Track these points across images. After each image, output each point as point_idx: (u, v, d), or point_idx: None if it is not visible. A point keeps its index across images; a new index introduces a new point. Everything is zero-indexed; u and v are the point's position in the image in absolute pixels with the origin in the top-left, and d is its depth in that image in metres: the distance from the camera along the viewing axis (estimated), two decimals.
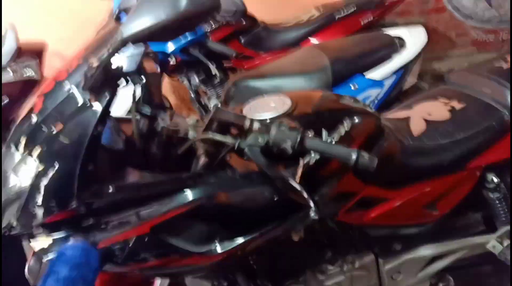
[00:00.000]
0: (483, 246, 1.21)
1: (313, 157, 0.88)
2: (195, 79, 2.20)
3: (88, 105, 0.68)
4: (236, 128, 0.82)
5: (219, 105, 0.82)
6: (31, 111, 0.74)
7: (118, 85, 0.71)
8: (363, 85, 1.75)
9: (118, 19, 1.41)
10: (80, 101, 0.69)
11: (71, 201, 0.70)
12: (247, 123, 0.79)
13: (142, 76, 0.87)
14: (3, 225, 0.75)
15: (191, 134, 0.85)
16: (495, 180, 1.18)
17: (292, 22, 2.43)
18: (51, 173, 0.69)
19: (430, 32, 3.34)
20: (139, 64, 0.88)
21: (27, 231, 0.76)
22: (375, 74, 1.76)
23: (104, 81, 0.67)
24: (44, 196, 0.70)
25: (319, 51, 1.77)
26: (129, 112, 0.88)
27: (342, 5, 2.41)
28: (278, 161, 0.82)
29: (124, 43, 0.61)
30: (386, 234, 1.14)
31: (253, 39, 2.32)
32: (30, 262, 0.82)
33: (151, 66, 0.90)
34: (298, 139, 0.76)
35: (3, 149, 0.75)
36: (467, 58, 3.14)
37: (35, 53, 2.12)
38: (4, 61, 1.95)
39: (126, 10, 1.34)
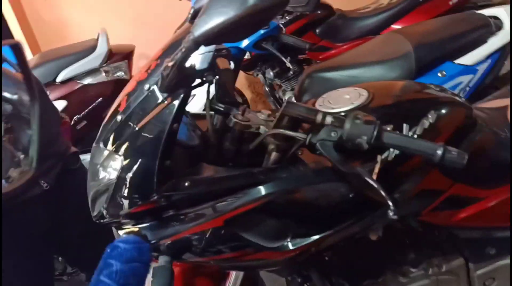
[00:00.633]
0: None
1: (392, 152, 0.83)
2: (270, 73, 2.19)
3: (165, 103, 0.72)
4: (307, 122, 0.79)
5: (293, 99, 0.81)
6: (116, 110, 0.80)
7: (192, 83, 0.73)
8: (453, 71, 1.59)
9: (193, 18, 1.46)
10: (159, 99, 0.72)
11: (152, 194, 0.74)
12: (319, 117, 0.76)
13: (216, 74, 0.90)
14: (94, 214, 0.82)
15: (262, 129, 0.85)
16: None
17: (371, 7, 2.30)
18: (134, 168, 0.74)
19: None
20: (212, 61, 0.91)
21: (115, 220, 0.83)
22: (466, 59, 1.59)
23: (179, 80, 0.69)
24: (128, 188, 0.75)
25: (401, 37, 1.65)
26: (204, 109, 0.90)
27: None
28: (353, 157, 0.78)
29: (196, 42, 0.62)
30: (478, 237, 1.03)
31: (329, 28, 2.24)
32: None
33: (224, 63, 0.92)
34: (375, 134, 0.71)
35: (93, 145, 0.82)
36: None
37: (125, 55, 2.30)
38: (97, 63, 2.15)
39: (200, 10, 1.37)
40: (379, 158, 0.78)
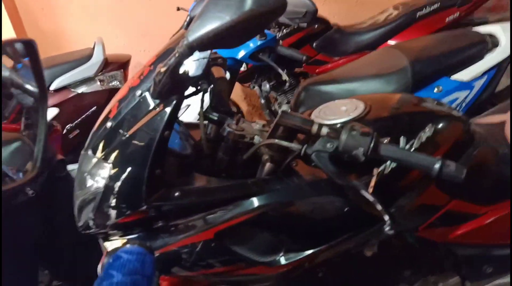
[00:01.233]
0: None
1: (389, 165, 0.81)
2: (266, 86, 2.18)
3: (157, 110, 0.70)
4: (303, 133, 0.77)
5: (288, 111, 0.79)
6: (106, 116, 0.78)
7: (185, 90, 0.72)
8: (449, 87, 1.59)
9: (189, 25, 1.46)
10: (150, 106, 0.70)
11: (141, 204, 0.71)
12: (314, 128, 0.74)
13: (211, 82, 0.89)
14: (80, 224, 0.79)
15: (257, 139, 0.83)
16: None
17: (367, 23, 2.32)
18: (123, 176, 0.71)
19: None
20: (207, 70, 0.89)
21: (102, 231, 0.80)
22: (462, 74, 1.59)
23: (172, 86, 0.67)
24: (116, 198, 0.73)
25: (397, 51, 1.65)
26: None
27: (424, 2, 2.23)
28: (349, 169, 0.76)
29: (190, 47, 0.60)
30: (475, 254, 1.01)
31: (326, 42, 2.24)
32: (103, 260, 0.85)
33: (220, 72, 0.90)
34: (372, 146, 0.69)
35: (82, 153, 0.79)
36: None
37: (121, 65, 2.29)
38: (92, 72, 2.14)
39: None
40: (375, 171, 0.76)
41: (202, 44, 0.60)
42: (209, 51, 0.71)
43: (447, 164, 0.68)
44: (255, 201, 0.76)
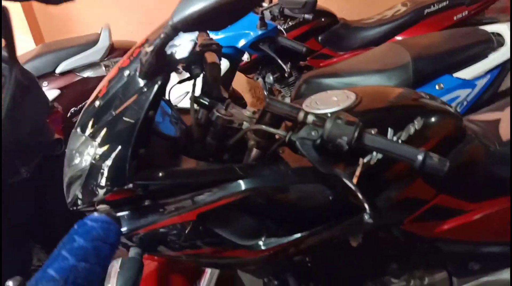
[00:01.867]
0: None
1: (375, 156, 0.81)
2: (270, 78, 2.19)
3: (143, 89, 0.71)
4: (290, 120, 0.78)
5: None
6: (96, 96, 0.79)
7: (171, 71, 0.72)
8: (451, 85, 1.57)
9: None
10: (137, 85, 0.71)
11: (124, 182, 0.72)
12: (301, 115, 0.74)
13: (203, 68, 0.89)
14: (69, 200, 0.81)
15: (245, 125, 0.83)
16: None
17: (374, 18, 2.30)
18: (108, 154, 0.73)
19: None
20: (200, 55, 0.90)
21: (90, 208, 0.82)
22: (465, 73, 1.58)
23: (158, 67, 0.68)
24: (101, 175, 0.74)
25: (401, 47, 1.64)
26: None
27: None
28: (336, 159, 0.76)
29: (174, 28, 0.61)
30: (462, 251, 1.00)
31: (332, 37, 2.24)
32: None
33: (212, 57, 0.91)
34: (356, 135, 0.70)
35: (72, 131, 0.81)
36: None
37: (126, 51, 2.27)
38: (97, 57, 2.15)
39: None
40: (361, 161, 0.76)
41: (186, 25, 0.60)
42: (196, 33, 0.72)
43: (430, 156, 0.68)
44: (239, 185, 0.77)
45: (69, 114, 2.12)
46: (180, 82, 0.97)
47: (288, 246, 0.80)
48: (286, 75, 2.04)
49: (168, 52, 0.69)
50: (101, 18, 2.49)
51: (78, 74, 2.14)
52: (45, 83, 2.05)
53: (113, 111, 0.73)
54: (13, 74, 1.02)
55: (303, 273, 0.99)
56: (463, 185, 0.92)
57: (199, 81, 0.92)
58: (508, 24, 1.71)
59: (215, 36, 1.57)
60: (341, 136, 0.70)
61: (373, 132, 0.72)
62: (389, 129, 0.81)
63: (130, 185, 0.75)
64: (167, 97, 0.92)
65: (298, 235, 0.80)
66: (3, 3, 1.07)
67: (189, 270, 0.99)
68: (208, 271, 0.96)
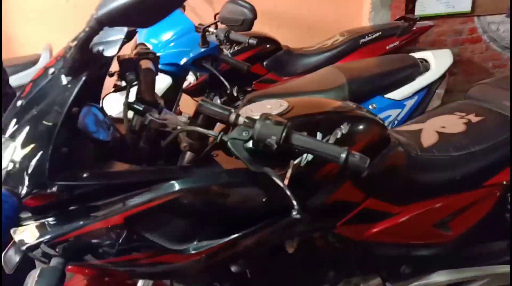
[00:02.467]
0: (507, 277, 1.07)
1: (305, 159, 0.84)
2: (217, 101, 2.21)
3: (68, 86, 0.69)
4: (222, 122, 0.79)
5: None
6: (19, 96, 0.76)
7: (97, 68, 0.72)
8: (382, 104, 1.69)
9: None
10: (61, 83, 0.70)
11: (44, 182, 0.69)
12: (232, 117, 0.76)
13: (138, 75, 0.89)
14: None
15: (179, 129, 0.83)
16: None
17: (315, 46, 2.44)
18: (27, 154, 0.69)
19: (464, 63, 3.23)
20: (135, 63, 0.91)
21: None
22: (394, 94, 1.71)
23: (83, 62, 0.68)
24: (20, 176, 0.70)
25: (337, 71, 1.75)
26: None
27: (367, 30, 2.39)
28: (267, 162, 0.78)
29: (99, 22, 0.61)
30: (393, 255, 1.04)
31: (276, 62, 2.33)
32: (9, 250, 0.81)
33: (147, 64, 0.91)
34: (284, 134, 0.72)
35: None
36: None
37: None
38: None
39: None
40: (291, 163, 0.79)
41: (111, 18, 0.61)
42: (125, 30, 0.73)
43: (352, 154, 0.72)
44: (169, 186, 0.75)
45: None
46: (116, 90, 0.97)
47: (220, 249, 0.79)
48: (234, 94, 2.08)
49: (96, 49, 0.68)
50: (44, 39, 2.42)
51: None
52: None
53: (34, 110, 0.71)
54: None
55: (239, 281, 0.97)
56: (389, 189, 0.97)
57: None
58: (432, 51, 1.89)
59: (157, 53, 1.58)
60: (270, 136, 0.72)
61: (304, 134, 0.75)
62: (318, 133, 0.85)
63: (54, 189, 0.72)
64: (101, 104, 0.90)
65: (230, 237, 0.79)
66: None
67: (120, 283, 0.94)
68: (141, 283, 0.91)
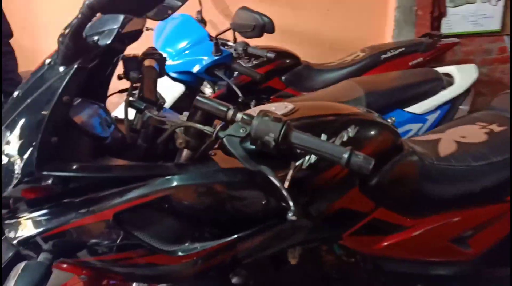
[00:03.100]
0: None
1: (307, 160, 0.79)
2: None
3: (60, 75, 0.68)
4: (219, 118, 0.76)
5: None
6: (18, 88, 0.76)
7: (91, 57, 0.71)
8: (402, 118, 1.62)
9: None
10: (56, 72, 0.69)
11: (32, 171, 0.67)
12: (229, 113, 0.73)
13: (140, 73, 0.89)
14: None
15: (174, 124, 0.81)
16: None
17: (336, 62, 2.40)
18: (19, 142, 0.69)
19: (495, 83, 3.11)
20: (140, 62, 0.90)
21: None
22: (415, 108, 1.63)
23: (76, 51, 0.67)
24: (12, 165, 0.69)
25: (355, 84, 1.71)
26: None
27: (390, 46, 2.34)
28: (266, 162, 0.74)
29: (90, 8, 0.60)
30: (406, 271, 0.96)
31: (295, 77, 2.30)
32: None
33: (150, 62, 0.91)
34: (283, 132, 0.68)
35: None
36: None
37: None
38: None
39: None
40: (292, 164, 0.74)
41: (102, 5, 0.60)
42: (120, 20, 0.72)
43: (355, 154, 0.66)
44: (162, 182, 0.72)
45: None
46: (121, 91, 0.96)
47: (212, 252, 0.75)
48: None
49: (91, 39, 0.68)
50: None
51: None
52: None
53: (28, 99, 0.70)
54: None
55: None
56: (401, 198, 0.91)
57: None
58: (456, 66, 1.82)
59: (171, 62, 1.59)
60: (268, 133, 0.69)
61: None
62: (323, 135, 0.80)
63: (49, 181, 0.70)
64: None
65: (223, 240, 0.75)
66: None
67: None
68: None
